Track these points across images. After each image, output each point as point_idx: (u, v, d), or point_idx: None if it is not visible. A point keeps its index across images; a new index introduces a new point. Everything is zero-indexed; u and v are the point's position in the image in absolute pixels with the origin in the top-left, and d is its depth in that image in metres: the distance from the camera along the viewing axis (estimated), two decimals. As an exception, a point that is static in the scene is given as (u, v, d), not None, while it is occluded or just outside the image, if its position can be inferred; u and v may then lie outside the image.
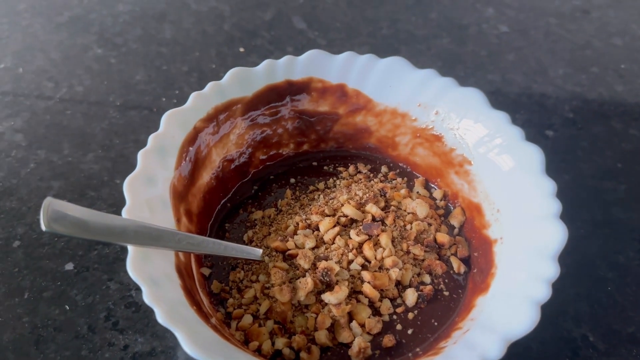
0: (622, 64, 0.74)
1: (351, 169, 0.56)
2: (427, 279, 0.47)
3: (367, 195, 0.51)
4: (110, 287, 0.50)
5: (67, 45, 0.74)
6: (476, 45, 0.76)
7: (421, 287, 0.46)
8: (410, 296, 0.45)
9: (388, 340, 0.43)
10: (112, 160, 0.60)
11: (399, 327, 0.44)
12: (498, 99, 0.68)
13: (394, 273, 0.45)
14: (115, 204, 0.55)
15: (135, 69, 0.71)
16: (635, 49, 0.76)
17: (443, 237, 0.49)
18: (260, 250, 0.48)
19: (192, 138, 0.48)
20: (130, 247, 0.38)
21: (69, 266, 0.51)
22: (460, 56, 0.74)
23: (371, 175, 0.55)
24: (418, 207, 0.50)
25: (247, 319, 0.43)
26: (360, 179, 0.54)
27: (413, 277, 0.47)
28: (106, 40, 0.75)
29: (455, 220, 0.51)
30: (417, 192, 0.53)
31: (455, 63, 0.73)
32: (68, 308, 0.48)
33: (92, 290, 0.50)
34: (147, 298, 0.35)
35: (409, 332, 0.44)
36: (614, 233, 0.55)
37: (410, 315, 0.45)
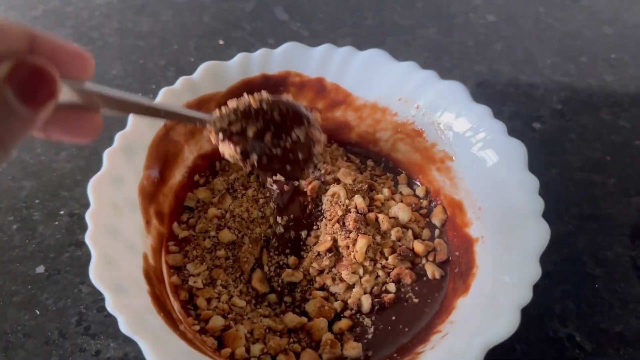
0: (612, 54, 0.72)
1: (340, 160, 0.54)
2: (391, 287, 0.45)
3: (358, 186, 0.49)
4: (82, 291, 0.48)
5: (42, 39, 0.72)
6: (463, 35, 0.74)
7: (383, 295, 0.45)
8: (365, 303, 0.44)
9: (350, 347, 0.42)
10: (86, 159, 0.58)
11: (358, 330, 0.43)
12: (485, 91, 0.66)
13: (351, 278, 0.44)
14: (88, 204, 0.53)
15: (111, 63, 0.68)
16: (626, 38, 0.75)
17: (419, 247, 0.47)
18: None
19: (163, 136, 0.46)
20: (93, 253, 0.36)
21: (40, 269, 0.50)
22: (446, 46, 0.72)
23: (362, 166, 0.54)
24: (400, 211, 0.49)
25: (218, 321, 0.42)
26: (351, 166, 0.53)
27: (376, 285, 0.45)
28: (82, 34, 0.72)
29: (437, 219, 0.49)
30: (401, 193, 0.52)
31: (441, 54, 0.71)
32: (38, 313, 0.47)
33: (64, 294, 0.48)
34: (110, 306, 0.34)
35: (369, 337, 0.43)
36: (602, 228, 0.54)
37: (367, 322, 0.44)
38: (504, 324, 0.35)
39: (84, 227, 0.52)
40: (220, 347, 0.41)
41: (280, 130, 0.38)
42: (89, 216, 0.38)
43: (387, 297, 0.45)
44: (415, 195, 0.52)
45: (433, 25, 0.75)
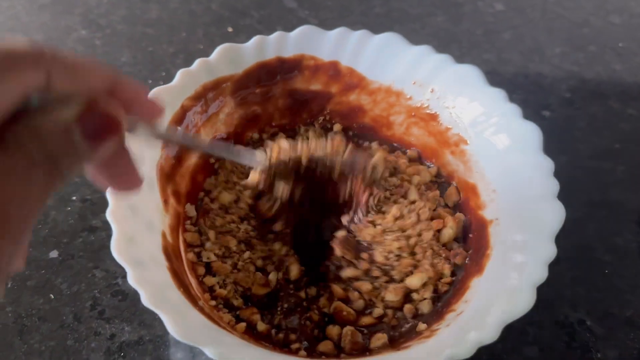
0: (620, 42, 0.72)
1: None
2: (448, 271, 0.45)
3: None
4: (96, 275, 0.49)
5: (51, 27, 0.72)
6: (471, 23, 0.74)
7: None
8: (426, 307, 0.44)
9: (376, 339, 0.42)
10: (97, 145, 0.58)
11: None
12: (494, 79, 0.65)
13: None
14: (100, 190, 0.54)
15: (120, 51, 0.68)
16: (634, 26, 0.75)
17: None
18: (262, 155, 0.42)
19: (180, 117, 0.46)
20: (114, 229, 0.36)
21: (54, 254, 0.50)
22: (455, 35, 0.72)
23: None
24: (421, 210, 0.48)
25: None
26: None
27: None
28: (90, 22, 0.72)
29: (450, 200, 0.50)
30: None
31: (450, 42, 0.71)
32: (53, 297, 0.47)
33: (78, 279, 0.48)
34: (131, 280, 0.34)
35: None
36: (612, 215, 0.54)
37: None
38: (519, 302, 0.35)
39: (96, 212, 0.53)
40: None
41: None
42: (109, 193, 0.38)
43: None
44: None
45: (442, 13, 0.75)
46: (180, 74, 0.46)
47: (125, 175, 0.28)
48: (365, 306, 0.43)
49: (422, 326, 0.41)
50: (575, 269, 0.50)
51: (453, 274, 0.45)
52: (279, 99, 0.53)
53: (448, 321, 0.39)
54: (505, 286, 0.37)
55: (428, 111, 0.51)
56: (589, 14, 0.76)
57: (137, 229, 0.38)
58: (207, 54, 0.68)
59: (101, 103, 0.23)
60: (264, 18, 0.73)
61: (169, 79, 0.64)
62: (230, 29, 0.72)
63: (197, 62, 0.47)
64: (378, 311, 0.43)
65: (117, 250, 0.35)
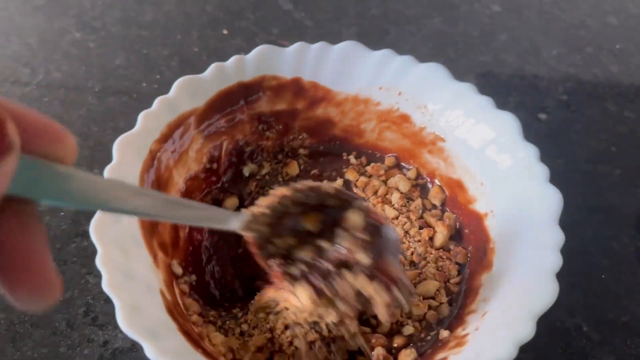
0: (617, 44, 0.72)
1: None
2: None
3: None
4: (89, 282, 0.48)
5: (44, 29, 0.71)
6: (468, 25, 0.74)
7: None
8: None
9: (405, 355, 0.40)
10: (91, 149, 0.57)
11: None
12: (490, 81, 0.66)
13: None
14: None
15: (114, 53, 0.68)
16: (631, 28, 0.74)
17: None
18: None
19: (150, 162, 0.43)
20: (116, 302, 0.34)
21: (46, 260, 0.49)
22: (451, 36, 0.72)
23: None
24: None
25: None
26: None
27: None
28: (84, 24, 0.72)
29: (436, 199, 0.50)
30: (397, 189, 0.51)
31: (446, 44, 0.71)
32: (45, 303, 0.47)
33: (71, 285, 0.48)
34: (153, 356, 0.32)
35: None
36: (609, 219, 0.54)
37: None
38: (545, 292, 0.35)
39: (89, 218, 0.52)
40: None
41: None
42: (99, 263, 0.35)
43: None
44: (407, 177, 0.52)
45: (438, 15, 0.75)
46: (142, 117, 0.44)
47: (31, 273, 0.18)
48: (391, 328, 0.42)
49: (444, 333, 0.41)
50: (571, 274, 0.49)
51: (458, 272, 0.45)
52: (246, 124, 0.51)
53: (474, 324, 0.38)
54: (524, 278, 0.37)
55: (399, 113, 0.51)
56: (585, 15, 0.76)
57: (139, 294, 0.36)
58: (202, 57, 0.68)
59: None
60: (259, 20, 0.73)
61: (163, 81, 0.64)
62: (225, 31, 0.71)
63: (157, 102, 0.45)
64: (409, 329, 0.42)
65: (125, 323, 0.33)
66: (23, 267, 0.18)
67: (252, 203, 0.45)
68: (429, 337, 0.42)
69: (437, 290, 0.43)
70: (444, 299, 0.43)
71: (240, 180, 0.52)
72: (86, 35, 0.70)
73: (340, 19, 0.74)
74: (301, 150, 0.54)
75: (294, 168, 0.53)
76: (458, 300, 0.44)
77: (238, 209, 0.51)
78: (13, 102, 0.18)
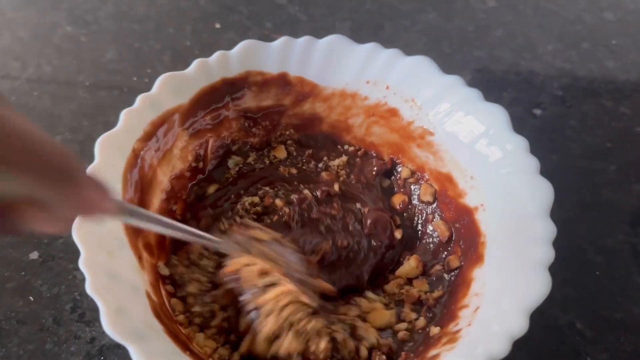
0: (614, 40, 0.71)
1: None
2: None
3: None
4: (76, 277, 0.48)
5: (36, 23, 0.70)
6: (463, 20, 0.73)
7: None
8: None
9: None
10: (80, 143, 0.57)
11: None
12: (485, 77, 0.65)
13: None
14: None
15: (106, 47, 0.67)
16: (628, 23, 0.74)
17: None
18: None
19: (133, 161, 0.42)
20: (100, 304, 0.33)
21: (34, 255, 0.49)
22: (446, 31, 0.71)
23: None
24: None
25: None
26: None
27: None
28: (76, 18, 0.71)
29: (427, 196, 0.49)
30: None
31: (440, 39, 0.70)
32: (32, 299, 0.46)
33: (58, 281, 0.47)
34: (137, 358, 0.32)
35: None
36: (603, 215, 0.53)
37: None
38: (537, 286, 0.34)
39: (78, 213, 0.52)
40: None
41: None
42: (83, 264, 0.35)
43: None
44: (397, 180, 0.51)
45: (432, 9, 0.74)
46: (124, 115, 0.43)
47: None
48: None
49: (435, 330, 0.40)
50: (565, 271, 0.48)
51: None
52: (232, 121, 0.50)
53: (466, 319, 0.38)
54: (515, 271, 0.36)
55: (387, 107, 0.50)
56: (582, 10, 0.75)
57: (123, 296, 0.35)
58: (194, 51, 0.67)
59: None
60: (252, 14, 0.72)
61: (154, 76, 0.62)
62: (218, 26, 0.70)
63: (139, 99, 0.44)
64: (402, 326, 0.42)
65: (110, 325, 0.32)
66: None
67: (230, 187, 0.50)
68: (418, 336, 0.41)
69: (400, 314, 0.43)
70: (412, 316, 0.43)
71: (224, 169, 0.51)
72: (78, 29, 0.70)
73: (334, 13, 0.73)
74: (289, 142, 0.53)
75: (281, 152, 0.53)
76: (445, 295, 0.43)
77: (217, 191, 0.50)
78: None
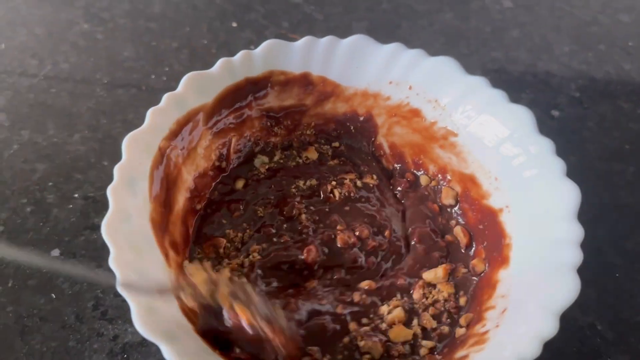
0: (630, 41, 0.71)
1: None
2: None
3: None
4: (98, 275, 0.48)
5: (52, 20, 0.70)
6: (479, 20, 0.73)
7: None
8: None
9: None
10: (100, 142, 0.57)
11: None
12: (502, 77, 0.66)
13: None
14: (103, 187, 0.52)
15: (122, 45, 0.67)
16: (643, 25, 0.74)
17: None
18: None
19: (159, 160, 0.43)
20: (131, 303, 0.33)
21: (55, 253, 0.49)
22: (463, 32, 0.71)
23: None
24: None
25: None
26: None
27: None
28: (92, 15, 0.71)
29: (448, 199, 0.49)
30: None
31: (458, 39, 0.70)
32: (54, 297, 0.46)
33: (79, 278, 0.47)
34: (171, 358, 0.32)
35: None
36: (622, 217, 0.53)
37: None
38: (566, 287, 0.34)
39: (98, 211, 0.52)
40: None
41: None
42: (113, 263, 0.35)
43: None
44: (417, 183, 0.52)
45: (449, 10, 0.74)
46: (150, 114, 0.43)
47: None
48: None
49: (461, 331, 0.40)
50: (585, 273, 0.48)
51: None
52: (255, 120, 0.50)
53: (494, 321, 0.38)
54: (543, 274, 0.36)
55: (409, 108, 0.50)
56: (597, 12, 0.75)
57: (152, 294, 0.36)
58: (211, 49, 0.67)
59: None
60: (269, 13, 0.72)
61: (172, 74, 0.64)
62: (234, 24, 0.71)
63: (165, 98, 0.44)
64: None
65: (142, 324, 0.32)
66: None
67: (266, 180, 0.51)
68: (443, 337, 0.41)
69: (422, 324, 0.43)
70: (433, 324, 0.42)
71: (250, 167, 0.52)
72: (94, 27, 0.70)
73: (350, 12, 0.73)
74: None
75: (312, 153, 0.53)
76: (470, 295, 0.43)
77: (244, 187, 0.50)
78: None
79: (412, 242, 0.47)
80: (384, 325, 0.41)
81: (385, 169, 0.53)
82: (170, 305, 0.37)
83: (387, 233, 0.47)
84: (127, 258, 0.36)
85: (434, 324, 0.42)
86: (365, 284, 0.44)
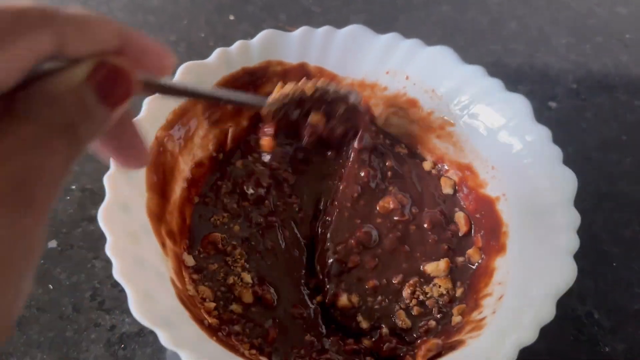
0: (627, 34, 0.71)
1: None
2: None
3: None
4: (95, 266, 0.48)
5: (49, 14, 0.70)
6: (477, 13, 0.73)
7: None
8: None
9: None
10: (97, 133, 0.57)
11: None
12: (500, 70, 0.65)
13: None
14: (100, 179, 0.52)
15: (120, 38, 0.67)
16: (640, 17, 0.74)
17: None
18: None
19: (156, 150, 0.43)
20: (128, 289, 0.33)
21: (53, 244, 0.49)
22: (460, 24, 0.71)
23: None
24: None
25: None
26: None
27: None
28: (90, 8, 0.70)
29: (447, 187, 0.49)
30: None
31: (455, 32, 0.70)
32: (52, 287, 0.46)
33: (77, 269, 0.47)
34: (169, 345, 0.32)
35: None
36: (620, 207, 0.53)
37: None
38: (564, 272, 0.35)
39: (96, 202, 0.52)
40: None
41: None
42: (109, 250, 0.35)
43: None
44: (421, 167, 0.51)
45: (447, 2, 0.74)
46: (146, 103, 0.43)
47: (132, 149, 0.27)
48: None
49: (457, 318, 0.41)
50: (582, 262, 0.48)
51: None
52: (251, 111, 0.50)
53: (491, 307, 0.38)
54: (540, 259, 0.37)
55: (407, 98, 0.50)
56: (594, 4, 0.75)
57: (150, 282, 0.35)
58: (209, 42, 0.67)
59: (108, 60, 0.22)
60: (266, 6, 0.72)
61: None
62: (232, 17, 0.71)
63: None
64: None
65: (138, 311, 0.32)
66: (131, 147, 0.27)
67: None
68: (440, 323, 0.41)
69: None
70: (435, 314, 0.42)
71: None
72: (91, 20, 0.69)
73: (348, 5, 0.73)
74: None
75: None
76: (466, 282, 0.43)
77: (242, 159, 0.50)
78: (131, 29, 0.24)
79: (425, 225, 0.46)
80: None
81: None
82: (166, 292, 0.37)
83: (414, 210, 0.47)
84: (124, 246, 0.36)
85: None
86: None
